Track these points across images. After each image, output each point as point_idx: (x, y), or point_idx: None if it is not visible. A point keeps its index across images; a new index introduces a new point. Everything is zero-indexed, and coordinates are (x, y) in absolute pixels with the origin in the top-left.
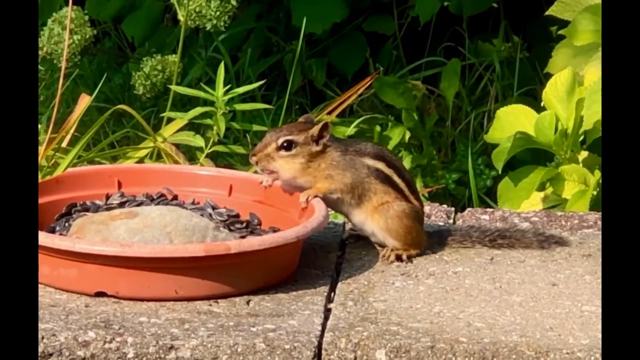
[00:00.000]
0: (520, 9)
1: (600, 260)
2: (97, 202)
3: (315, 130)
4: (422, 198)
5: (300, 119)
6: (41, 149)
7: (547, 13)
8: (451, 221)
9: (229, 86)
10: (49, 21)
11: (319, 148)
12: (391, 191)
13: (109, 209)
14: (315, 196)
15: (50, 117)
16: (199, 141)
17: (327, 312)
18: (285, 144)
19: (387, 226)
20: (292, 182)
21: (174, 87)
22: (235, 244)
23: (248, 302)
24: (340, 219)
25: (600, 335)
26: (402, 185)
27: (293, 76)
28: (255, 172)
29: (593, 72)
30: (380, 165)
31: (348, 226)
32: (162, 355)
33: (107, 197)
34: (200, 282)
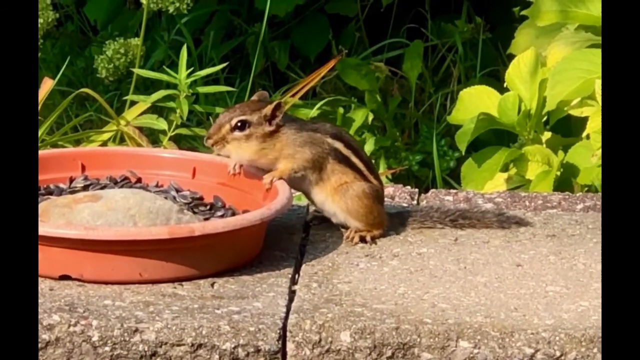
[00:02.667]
0: None
1: (564, 240)
2: (61, 185)
3: (268, 110)
4: (385, 180)
5: (254, 97)
6: None
7: None
8: (415, 202)
9: (191, 69)
10: None
11: (272, 128)
12: (349, 171)
13: (72, 192)
14: (280, 178)
15: None
16: (162, 124)
17: (292, 294)
18: (239, 124)
19: (347, 207)
20: (249, 163)
21: (136, 71)
22: (199, 226)
23: (212, 285)
24: (304, 201)
25: (565, 316)
26: (360, 165)
27: (256, 59)
28: (218, 154)
29: (556, 53)
30: (339, 145)
31: (312, 208)
32: (127, 338)
33: (71, 180)
34: (165, 265)
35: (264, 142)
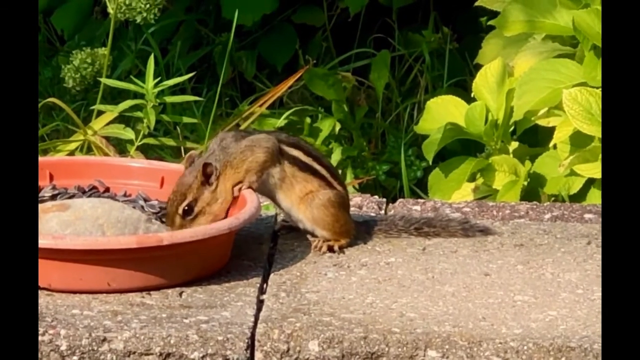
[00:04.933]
0: (449, 0)
1: (532, 250)
2: None
3: (199, 178)
4: (352, 190)
5: (184, 162)
6: None
7: (476, 4)
8: (383, 212)
9: (159, 79)
10: None
11: (214, 186)
12: (313, 179)
13: (40, 201)
14: (249, 187)
15: None
16: (129, 134)
17: (260, 303)
18: (187, 209)
19: (314, 216)
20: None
21: (103, 80)
22: (167, 235)
23: (181, 294)
24: (272, 210)
25: (533, 325)
26: (323, 171)
27: (224, 68)
28: None
29: (523, 63)
30: (297, 153)
31: (280, 217)
32: (95, 347)
33: (39, 189)
34: (133, 274)
35: (220, 196)
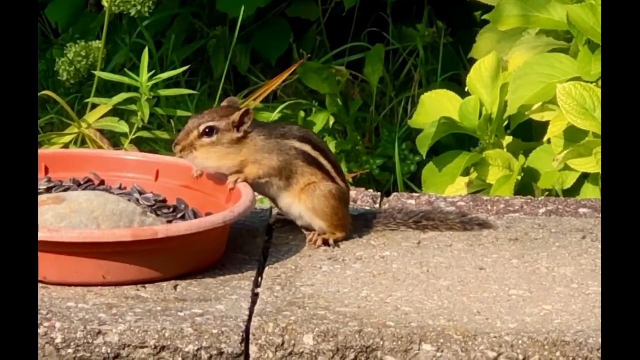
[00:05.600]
0: None
1: (527, 244)
2: None
3: (236, 117)
4: (349, 188)
5: (224, 103)
6: None
7: None
8: (377, 206)
9: (153, 72)
10: None
11: (240, 135)
12: (318, 172)
13: None
14: (245, 180)
15: None
16: (123, 127)
17: (255, 296)
18: (207, 130)
19: (314, 206)
20: (215, 170)
21: (98, 73)
22: (162, 228)
23: (176, 287)
24: (267, 204)
25: (528, 320)
26: (328, 167)
27: (217, 62)
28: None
29: (517, 57)
30: (307, 148)
31: (275, 211)
32: (90, 340)
33: None
34: (128, 267)
35: (231, 149)
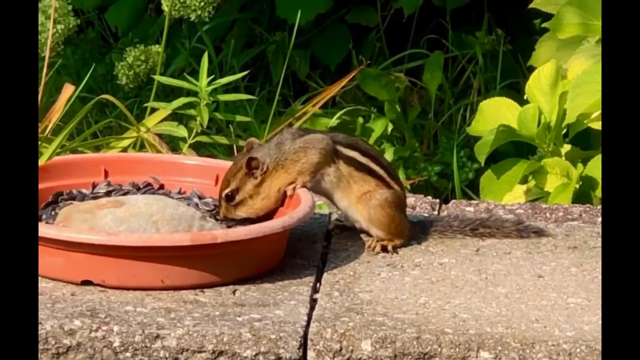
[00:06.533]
0: (503, 2)
1: (586, 252)
2: (84, 190)
3: (242, 171)
4: (405, 190)
5: (244, 149)
6: None
7: (530, 6)
8: (436, 213)
9: (212, 77)
10: None
11: (258, 180)
12: (370, 179)
13: (95, 197)
14: (303, 186)
15: None
16: (182, 131)
17: (313, 302)
18: (230, 195)
19: (370, 216)
20: (270, 209)
21: (157, 77)
22: (221, 233)
23: (234, 292)
24: (326, 209)
25: (586, 328)
26: (380, 172)
27: (276, 67)
28: None
29: (576, 66)
30: (354, 154)
31: (334, 217)
32: (148, 344)
33: (94, 185)
34: (187, 272)
35: (261, 188)
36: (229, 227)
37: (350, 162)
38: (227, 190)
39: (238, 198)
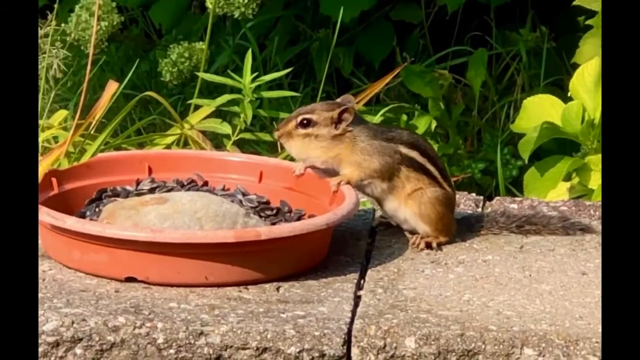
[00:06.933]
0: None
1: None
2: (128, 187)
3: (335, 113)
4: (455, 192)
5: (339, 99)
6: (68, 135)
7: (574, 3)
8: (480, 210)
9: (256, 74)
10: (77, 7)
11: (337, 132)
12: (424, 178)
13: (139, 194)
14: (347, 183)
15: (77, 103)
16: (226, 128)
17: (357, 299)
18: (304, 122)
19: (420, 211)
20: (310, 163)
21: (201, 75)
22: (265, 230)
23: (278, 289)
24: (370, 206)
25: None
26: (435, 172)
27: (320, 64)
28: (285, 158)
29: None
30: (414, 154)
31: (378, 213)
32: (192, 341)
33: (138, 182)
34: (231, 268)
35: (326, 144)
36: (272, 223)
37: (410, 163)
38: (307, 116)
39: (308, 130)
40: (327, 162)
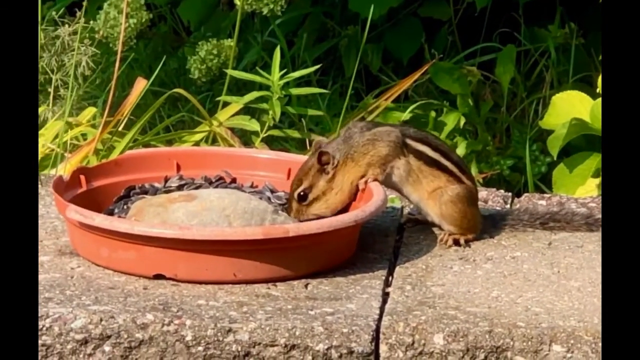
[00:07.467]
0: None
1: None
2: (156, 184)
3: (315, 167)
4: (477, 184)
5: (312, 148)
6: (97, 132)
7: None
8: (508, 206)
9: (284, 70)
10: (105, 5)
11: (330, 175)
12: (441, 174)
13: (167, 191)
14: (374, 179)
15: (106, 100)
16: (254, 125)
17: (385, 296)
18: (302, 195)
19: (442, 212)
20: (342, 206)
21: (229, 72)
22: (293, 227)
23: (306, 286)
24: (398, 203)
25: None
26: (451, 167)
27: (349, 61)
28: None
29: None
30: (424, 148)
31: (406, 210)
32: (221, 338)
33: (166, 179)
34: (259, 265)
35: (336, 184)
36: (301, 220)
37: (420, 156)
38: (299, 190)
39: (311, 196)
40: (352, 190)
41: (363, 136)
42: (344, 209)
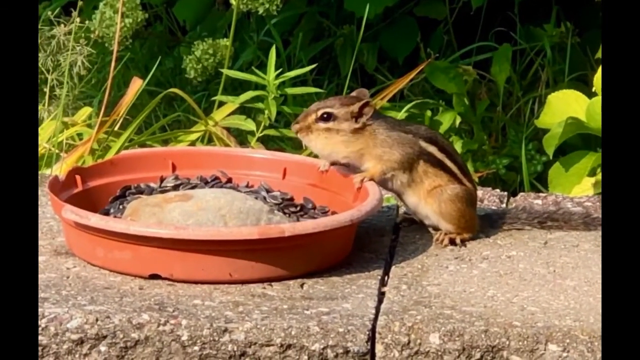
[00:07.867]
0: None
1: None
2: (152, 184)
3: (355, 107)
4: (476, 187)
5: (354, 93)
6: (93, 132)
7: None
8: (504, 206)
9: (280, 70)
10: (101, 4)
11: (357, 125)
12: (443, 174)
13: (163, 191)
14: (371, 179)
15: (102, 100)
16: (250, 125)
17: (381, 295)
18: (324, 115)
19: (441, 210)
20: (329, 158)
21: (225, 71)
22: (289, 227)
23: (302, 285)
24: (393, 202)
25: None
26: (454, 168)
27: (344, 60)
28: (309, 155)
29: None
30: (432, 149)
31: (402, 210)
32: (216, 338)
33: (162, 179)
34: (255, 265)
35: (345, 137)
36: (296, 219)
37: (428, 158)
38: (328, 110)
39: (329, 125)
40: (349, 157)
41: (393, 129)
42: (342, 209)
